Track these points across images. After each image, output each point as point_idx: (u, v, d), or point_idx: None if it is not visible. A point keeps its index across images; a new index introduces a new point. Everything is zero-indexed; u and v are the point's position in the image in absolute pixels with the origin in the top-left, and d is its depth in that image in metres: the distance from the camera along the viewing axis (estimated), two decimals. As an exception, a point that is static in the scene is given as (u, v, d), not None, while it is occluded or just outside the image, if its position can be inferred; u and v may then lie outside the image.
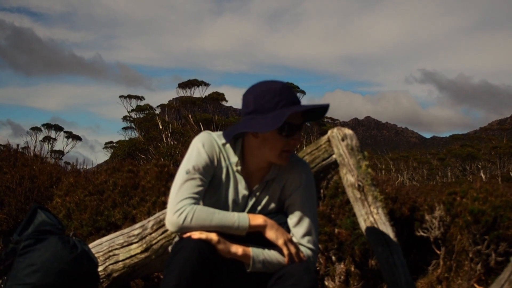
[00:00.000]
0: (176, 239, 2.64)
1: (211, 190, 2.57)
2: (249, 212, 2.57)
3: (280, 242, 2.42)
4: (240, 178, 2.58)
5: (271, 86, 2.46)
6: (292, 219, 2.58)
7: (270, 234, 2.42)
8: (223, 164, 2.57)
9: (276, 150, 2.49)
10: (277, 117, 2.39)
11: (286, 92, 2.46)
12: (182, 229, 2.37)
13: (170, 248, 2.71)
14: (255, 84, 2.53)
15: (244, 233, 2.40)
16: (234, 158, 2.59)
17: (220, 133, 2.63)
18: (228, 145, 2.59)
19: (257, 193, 2.61)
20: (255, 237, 2.46)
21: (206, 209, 2.40)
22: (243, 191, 2.58)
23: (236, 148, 2.58)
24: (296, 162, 2.67)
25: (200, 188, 2.46)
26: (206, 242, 2.32)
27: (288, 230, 2.56)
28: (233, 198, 2.57)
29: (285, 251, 2.42)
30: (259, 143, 2.49)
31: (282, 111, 2.40)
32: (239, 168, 2.57)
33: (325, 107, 2.48)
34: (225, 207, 2.55)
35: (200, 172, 2.48)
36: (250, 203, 2.60)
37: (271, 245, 2.46)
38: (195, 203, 2.41)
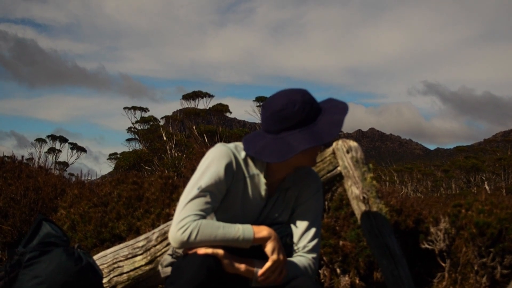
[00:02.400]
0: (169, 252, 2.64)
1: (227, 203, 2.53)
2: (263, 222, 2.56)
3: (273, 257, 2.35)
4: (263, 189, 2.55)
5: (301, 97, 2.42)
6: (300, 227, 2.59)
7: (270, 246, 2.36)
8: (241, 176, 2.52)
9: (314, 156, 2.52)
10: (333, 125, 2.39)
11: (314, 99, 2.47)
12: (187, 246, 2.32)
13: (160, 267, 2.69)
14: (279, 97, 2.46)
15: (248, 246, 2.37)
16: (255, 170, 2.55)
17: (237, 144, 2.59)
18: (247, 156, 2.55)
19: (274, 202, 2.60)
20: (256, 248, 2.46)
21: (210, 224, 2.33)
22: (261, 201, 2.57)
23: (259, 160, 2.53)
24: (309, 171, 2.69)
25: (209, 206, 2.38)
26: (213, 256, 2.29)
27: (285, 243, 2.54)
28: (250, 209, 2.56)
29: (271, 267, 2.36)
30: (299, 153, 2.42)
31: (331, 118, 2.41)
32: (264, 180, 2.54)
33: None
34: (242, 218, 2.52)
35: (213, 189, 2.40)
36: (265, 212, 2.59)
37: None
38: (200, 219, 2.33)
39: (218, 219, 2.49)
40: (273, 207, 2.61)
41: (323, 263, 4.95)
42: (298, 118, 2.40)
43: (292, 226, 2.62)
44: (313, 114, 2.42)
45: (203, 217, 2.35)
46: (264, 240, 2.37)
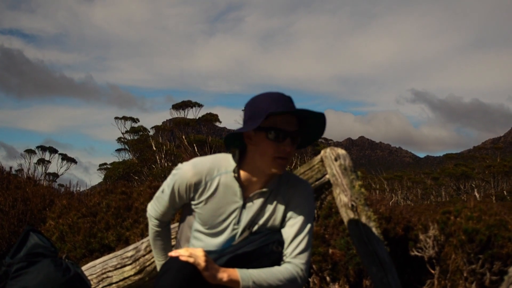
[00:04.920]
0: None
1: (204, 203, 2.59)
2: (247, 226, 2.59)
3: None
4: (234, 186, 2.58)
5: (267, 94, 2.50)
6: (289, 233, 2.58)
7: None
8: (203, 181, 2.58)
9: (267, 156, 2.48)
10: (257, 117, 2.42)
11: (280, 98, 2.48)
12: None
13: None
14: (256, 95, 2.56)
15: None
16: (230, 167, 2.59)
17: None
18: (226, 157, 2.62)
19: (253, 203, 2.60)
20: (242, 259, 2.47)
21: (151, 240, 2.85)
22: (237, 200, 2.58)
23: (235, 157, 2.59)
24: (300, 180, 2.72)
25: (164, 209, 2.71)
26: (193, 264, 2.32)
27: (271, 250, 2.54)
28: (224, 210, 2.58)
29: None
30: (253, 150, 2.50)
31: (266, 113, 2.42)
32: (235, 175, 2.56)
33: (319, 116, 2.49)
34: (215, 221, 2.58)
35: (172, 193, 2.64)
36: (246, 215, 2.59)
37: (257, 265, 2.47)
38: (158, 223, 2.78)
39: (204, 218, 2.61)
40: (262, 213, 2.60)
41: (313, 271, 4.94)
42: (257, 110, 2.45)
43: (283, 233, 2.62)
44: (268, 108, 2.44)
45: (160, 220, 2.77)
46: None
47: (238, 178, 2.57)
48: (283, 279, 2.47)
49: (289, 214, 2.62)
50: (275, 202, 2.62)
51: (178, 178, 2.60)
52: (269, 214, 2.61)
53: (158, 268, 2.71)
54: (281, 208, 2.63)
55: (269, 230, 2.60)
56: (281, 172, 2.51)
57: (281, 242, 2.58)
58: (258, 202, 2.60)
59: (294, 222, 2.60)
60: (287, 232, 2.59)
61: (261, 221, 2.60)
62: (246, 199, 2.60)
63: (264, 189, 2.59)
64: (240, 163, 2.58)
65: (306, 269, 2.58)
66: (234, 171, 2.57)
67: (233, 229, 2.57)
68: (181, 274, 2.27)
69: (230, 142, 2.59)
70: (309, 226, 2.62)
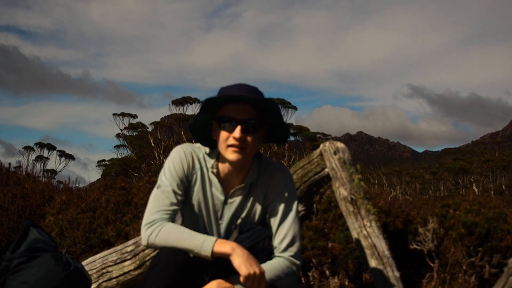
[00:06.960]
0: None
1: (188, 196, 2.60)
2: (231, 221, 2.60)
3: (242, 273, 2.26)
4: (215, 181, 2.59)
5: (231, 85, 2.50)
6: (273, 226, 2.59)
7: (236, 262, 2.28)
8: (197, 166, 2.59)
9: (222, 145, 2.48)
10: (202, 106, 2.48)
11: (237, 87, 2.48)
12: (149, 245, 2.41)
13: None
14: None
15: (209, 258, 2.31)
16: (208, 164, 2.61)
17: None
18: (209, 151, 2.63)
19: (235, 199, 2.61)
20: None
21: (174, 227, 2.38)
22: (218, 196, 2.60)
23: (215, 152, 2.61)
24: (276, 167, 2.69)
25: (173, 201, 2.48)
26: (183, 252, 2.32)
27: (262, 247, 2.54)
28: (207, 204, 2.59)
29: (245, 283, 2.26)
30: (217, 141, 2.52)
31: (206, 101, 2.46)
32: (214, 170, 2.58)
33: (267, 103, 2.46)
34: (199, 214, 2.59)
35: (174, 183, 2.52)
36: (228, 210, 2.60)
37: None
38: (167, 219, 2.42)
39: (187, 214, 2.61)
40: (243, 207, 2.62)
41: (312, 265, 4.95)
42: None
43: (268, 224, 2.63)
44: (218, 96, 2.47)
45: (171, 214, 2.45)
46: (226, 255, 2.31)
47: (217, 174, 2.59)
48: (278, 274, 2.48)
49: (270, 204, 2.63)
50: (253, 196, 2.63)
51: (174, 154, 2.60)
52: (249, 208, 2.63)
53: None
54: (260, 200, 2.64)
55: (258, 225, 2.62)
56: (236, 161, 2.48)
57: (271, 238, 2.58)
58: (238, 198, 2.61)
59: (276, 212, 2.60)
60: (272, 223, 2.60)
61: (243, 215, 2.62)
62: (228, 195, 2.61)
63: (242, 185, 2.59)
64: (219, 158, 2.60)
65: (297, 257, 2.58)
66: (212, 167, 2.59)
67: (218, 224, 2.61)
68: (171, 267, 2.27)
69: (200, 138, 2.63)
70: (292, 213, 2.61)
